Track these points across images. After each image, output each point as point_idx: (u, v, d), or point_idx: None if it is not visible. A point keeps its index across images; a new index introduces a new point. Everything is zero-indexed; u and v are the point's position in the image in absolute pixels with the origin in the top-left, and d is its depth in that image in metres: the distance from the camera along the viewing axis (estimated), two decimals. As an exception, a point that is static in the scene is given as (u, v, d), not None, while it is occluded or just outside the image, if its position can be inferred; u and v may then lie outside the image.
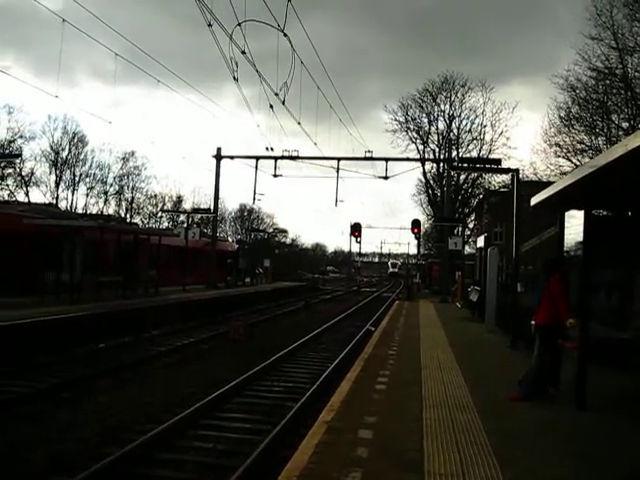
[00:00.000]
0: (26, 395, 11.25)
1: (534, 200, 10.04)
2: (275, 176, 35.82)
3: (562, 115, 37.65)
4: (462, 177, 53.23)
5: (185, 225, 38.57)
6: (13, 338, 14.83)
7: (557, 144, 37.81)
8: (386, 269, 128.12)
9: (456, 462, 6.01)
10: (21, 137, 53.92)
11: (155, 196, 70.67)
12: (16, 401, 10.83)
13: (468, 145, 54.86)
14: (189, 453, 8.38)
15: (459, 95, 54.92)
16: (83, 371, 13.72)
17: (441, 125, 56.04)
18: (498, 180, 49.74)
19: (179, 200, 73.31)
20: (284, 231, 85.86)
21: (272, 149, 34.32)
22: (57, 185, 59.62)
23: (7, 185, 54.71)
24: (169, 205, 70.85)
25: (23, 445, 8.36)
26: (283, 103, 24.13)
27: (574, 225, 9.88)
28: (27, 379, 12.86)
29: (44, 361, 14.66)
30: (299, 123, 28.43)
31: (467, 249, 49.62)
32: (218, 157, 38.30)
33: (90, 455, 8.01)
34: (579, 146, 37.10)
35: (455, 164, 31.94)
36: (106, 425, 9.55)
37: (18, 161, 52.31)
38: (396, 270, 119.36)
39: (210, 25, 17.14)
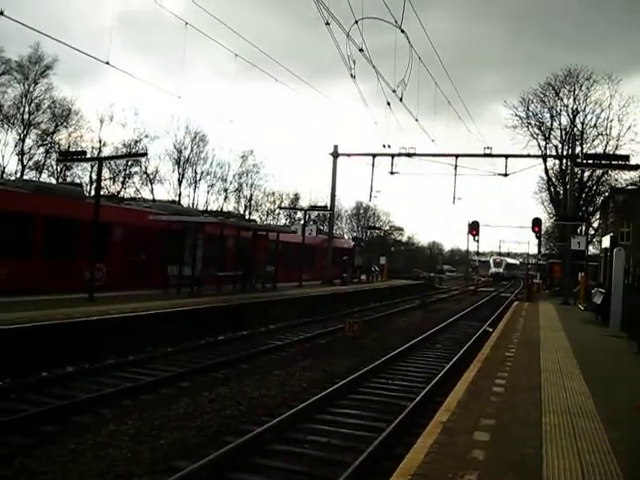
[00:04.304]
0: (150, 383, 11.82)
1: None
2: (392, 173, 35.74)
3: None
4: (586, 174, 50.96)
5: (302, 222, 39.08)
6: (144, 328, 15.58)
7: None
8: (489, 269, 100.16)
9: (577, 470, 5.76)
10: (146, 137, 56.36)
11: (273, 193, 72.18)
12: (142, 388, 11.41)
13: (593, 141, 52.41)
14: (303, 446, 8.48)
15: (583, 89, 52.49)
16: (203, 362, 14.23)
17: (564, 120, 53.81)
18: (625, 177, 47.22)
19: (296, 197, 74.57)
20: (400, 229, 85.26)
21: (389, 146, 34.25)
22: (180, 182, 61.80)
23: (134, 182, 57.47)
24: (286, 202, 72.05)
25: (148, 430, 8.77)
26: (401, 100, 24.03)
27: None
28: (151, 368, 13.52)
29: (168, 351, 15.32)
30: (417, 120, 28.21)
31: (591, 249, 47.57)
32: (335, 155, 38.61)
33: (208, 443, 8.30)
34: None
35: (579, 160, 30.71)
36: (224, 414, 9.86)
37: (144, 160, 54.85)
38: (500, 270, 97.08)
39: (328, 23, 17.30)
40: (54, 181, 49.33)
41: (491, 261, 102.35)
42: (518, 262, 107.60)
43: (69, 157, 27.99)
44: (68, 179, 50.05)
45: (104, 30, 76.90)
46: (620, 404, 8.79)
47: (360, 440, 8.69)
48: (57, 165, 51.34)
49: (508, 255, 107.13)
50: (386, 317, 27.59)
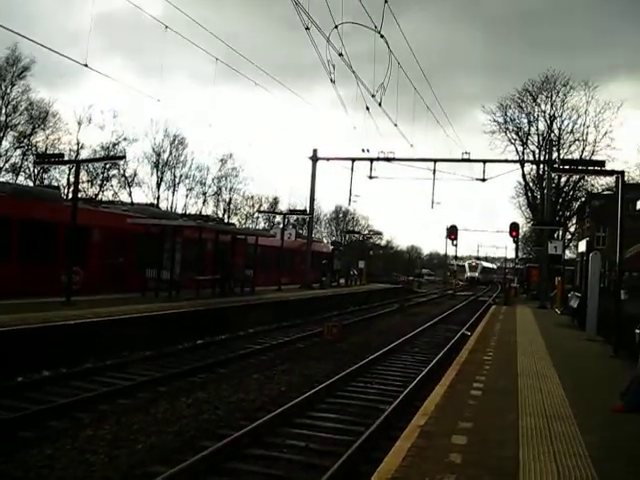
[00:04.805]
0: (128, 388, 11.75)
1: (641, 203, 9.63)
2: (371, 178, 35.84)
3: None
4: (563, 179, 51.51)
5: (281, 226, 39.08)
6: (121, 332, 15.48)
7: (667, 144, 35.96)
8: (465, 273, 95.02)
9: (553, 473, 5.81)
10: (125, 139, 56.06)
11: (252, 197, 72.21)
12: (119, 393, 11.34)
13: (570, 146, 52.90)
14: (281, 450, 8.48)
15: (560, 95, 52.97)
16: (181, 366, 14.18)
17: (541, 126, 54.27)
18: (601, 183, 47.89)
19: (275, 201, 74.70)
20: (379, 233, 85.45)
21: (368, 150, 34.36)
22: (158, 186, 61.56)
23: (112, 185, 57.20)
24: (265, 206, 72.13)
25: (125, 435, 8.72)
26: (380, 105, 24.12)
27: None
28: (129, 373, 13.44)
29: (146, 356, 15.25)
30: (396, 125, 28.32)
31: (567, 254, 47.94)
32: (314, 159, 38.64)
33: (186, 448, 8.28)
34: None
35: (556, 166, 30.99)
36: (202, 419, 9.83)
37: (122, 163, 54.53)
38: (476, 275, 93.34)
39: (308, 28, 17.32)
40: (31, 184, 48.93)
41: (466, 265, 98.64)
42: (495, 266, 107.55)
43: (46, 159, 27.82)
44: (45, 182, 49.70)
45: (82, 32, 76.57)
46: (596, 407, 8.88)
47: (339, 444, 8.70)
48: (34, 167, 50.98)
49: (486, 259, 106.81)
50: (365, 321, 27.61)
